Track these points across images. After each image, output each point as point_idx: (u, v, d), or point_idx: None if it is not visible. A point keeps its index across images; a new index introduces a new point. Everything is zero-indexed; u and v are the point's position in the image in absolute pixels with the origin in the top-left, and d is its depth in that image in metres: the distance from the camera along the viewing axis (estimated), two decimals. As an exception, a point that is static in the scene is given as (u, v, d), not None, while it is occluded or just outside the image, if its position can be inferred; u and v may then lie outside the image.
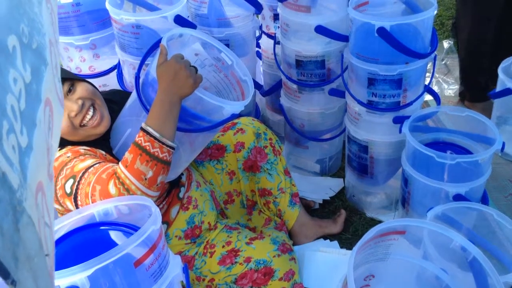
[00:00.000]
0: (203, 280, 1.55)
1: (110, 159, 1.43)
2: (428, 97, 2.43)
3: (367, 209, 2.04)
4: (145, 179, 1.23)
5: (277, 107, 2.31)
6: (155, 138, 1.25)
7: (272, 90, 2.33)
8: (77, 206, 1.28)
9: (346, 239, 1.91)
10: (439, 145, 1.75)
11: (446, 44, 3.08)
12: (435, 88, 2.78)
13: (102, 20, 1.96)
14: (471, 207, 1.50)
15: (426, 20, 1.63)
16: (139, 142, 1.25)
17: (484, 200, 1.69)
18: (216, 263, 1.54)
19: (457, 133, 1.77)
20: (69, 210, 1.31)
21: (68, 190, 1.28)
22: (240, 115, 1.52)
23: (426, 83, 1.84)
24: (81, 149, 1.37)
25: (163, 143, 1.26)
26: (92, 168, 1.27)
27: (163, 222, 1.52)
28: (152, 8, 1.87)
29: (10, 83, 0.42)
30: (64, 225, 1.13)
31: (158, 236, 1.05)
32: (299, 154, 2.28)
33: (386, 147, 1.89)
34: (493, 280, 1.09)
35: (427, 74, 1.92)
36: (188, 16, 1.89)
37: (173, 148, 1.29)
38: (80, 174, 1.26)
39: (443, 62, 3.01)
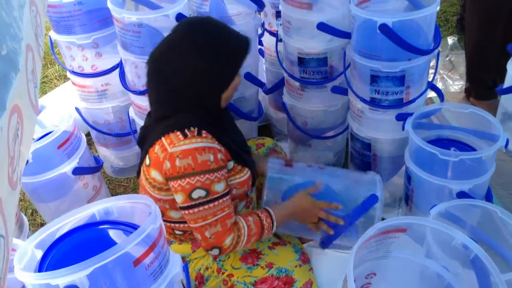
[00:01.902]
0: (223, 273, 1.57)
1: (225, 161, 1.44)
2: (432, 93, 2.41)
3: (371, 207, 2.03)
4: (244, 246, 1.46)
5: (280, 104, 2.30)
6: (271, 232, 1.51)
7: (275, 88, 2.33)
8: (186, 208, 1.37)
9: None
10: (443, 142, 1.74)
11: (450, 40, 3.06)
12: (439, 84, 2.77)
13: (104, 19, 1.96)
14: (475, 205, 1.50)
15: (429, 17, 1.62)
16: (264, 227, 1.48)
17: (488, 197, 1.68)
18: (238, 258, 1.57)
19: (461, 130, 1.76)
20: (164, 191, 1.41)
21: (194, 196, 1.35)
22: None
23: (430, 79, 1.82)
24: (219, 152, 1.38)
25: (266, 236, 1.51)
26: (222, 201, 1.39)
27: None
28: (154, 7, 1.87)
29: None
30: (64, 224, 1.13)
31: (158, 235, 1.05)
32: (302, 152, 2.27)
33: (389, 144, 1.88)
34: (495, 278, 1.08)
35: (431, 71, 1.90)
36: (190, 14, 1.89)
37: None
38: (214, 197, 1.37)
39: (448, 58, 2.99)
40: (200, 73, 1.38)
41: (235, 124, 1.67)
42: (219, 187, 1.37)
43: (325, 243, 1.68)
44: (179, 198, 1.37)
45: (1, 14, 0.48)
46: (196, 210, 1.36)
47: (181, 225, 1.51)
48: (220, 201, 1.38)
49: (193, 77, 1.38)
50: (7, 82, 0.49)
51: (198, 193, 1.34)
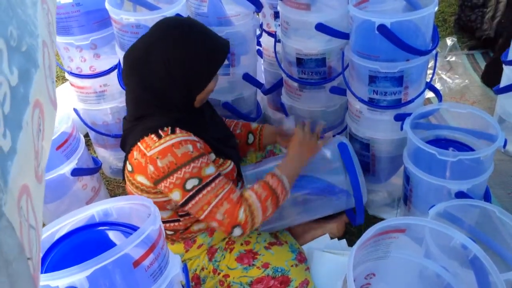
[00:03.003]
0: (219, 274, 1.57)
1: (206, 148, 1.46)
2: (431, 94, 2.42)
3: (369, 207, 2.03)
4: (265, 215, 1.42)
5: (278, 105, 2.31)
6: (285, 188, 1.46)
7: (274, 89, 2.33)
8: (188, 201, 1.36)
9: (350, 238, 1.91)
10: (441, 142, 1.74)
11: (449, 41, 3.06)
12: (438, 85, 2.77)
13: (102, 20, 1.95)
14: (474, 204, 1.50)
15: (427, 17, 1.62)
16: (273, 186, 1.44)
17: (487, 197, 1.69)
18: (234, 259, 1.57)
19: (459, 130, 1.76)
20: (152, 194, 1.41)
21: (188, 187, 1.35)
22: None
23: (428, 80, 1.83)
24: (197, 143, 1.39)
25: (286, 195, 1.47)
26: (218, 181, 1.38)
27: None
28: (152, 8, 1.87)
29: None
30: (63, 225, 1.13)
31: (157, 236, 1.05)
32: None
33: (387, 144, 1.88)
34: (494, 278, 1.09)
35: (429, 71, 1.90)
36: (188, 15, 1.89)
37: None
38: (208, 181, 1.36)
39: (446, 59, 2.99)
40: (176, 75, 1.39)
41: (218, 120, 1.68)
42: (209, 171, 1.37)
43: (357, 217, 1.74)
44: (177, 196, 1.36)
45: (17, 11, 0.49)
46: (196, 199, 1.35)
47: (171, 224, 1.51)
48: (216, 181, 1.37)
49: (168, 79, 1.39)
50: (29, 78, 0.50)
51: (191, 183, 1.34)
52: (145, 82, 1.40)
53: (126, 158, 1.45)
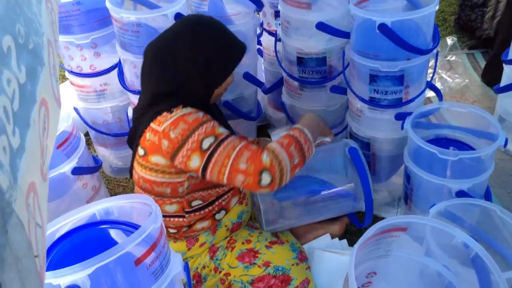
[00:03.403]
0: (220, 272, 1.58)
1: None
2: (431, 93, 2.42)
3: (370, 206, 2.03)
4: (292, 163, 1.36)
5: (279, 104, 2.30)
6: (307, 137, 1.43)
7: (274, 88, 2.32)
8: (207, 162, 1.33)
9: (350, 238, 1.91)
10: (442, 142, 1.74)
11: (449, 40, 3.07)
12: (438, 84, 2.77)
13: (102, 18, 1.95)
14: (474, 204, 1.50)
15: (428, 16, 1.62)
16: (295, 135, 1.41)
17: (487, 196, 1.69)
18: (235, 257, 1.57)
19: (460, 129, 1.76)
20: (167, 174, 1.41)
21: (205, 146, 1.33)
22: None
23: (428, 79, 1.83)
24: (208, 114, 1.41)
25: (310, 146, 1.43)
26: (233, 137, 1.37)
27: (222, 209, 1.58)
28: (152, 6, 1.87)
29: (3, 84, 0.42)
30: (65, 223, 1.13)
31: (159, 234, 1.05)
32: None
33: (388, 144, 1.88)
34: (496, 277, 1.09)
35: (429, 70, 1.90)
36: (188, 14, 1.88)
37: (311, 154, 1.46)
38: (223, 137, 1.36)
39: (447, 59, 3.00)
40: (196, 69, 1.42)
41: (225, 121, 1.69)
42: (222, 130, 1.38)
43: (366, 220, 1.75)
44: (196, 161, 1.34)
45: (23, 9, 0.49)
46: (216, 156, 1.33)
47: (176, 220, 1.51)
48: (232, 138, 1.37)
49: (189, 73, 1.42)
50: (36, 76, 0.50)
51: (207, 142, 1.34)
52: (165, 75, 1.43)
53: (137, 145, 1.45)
